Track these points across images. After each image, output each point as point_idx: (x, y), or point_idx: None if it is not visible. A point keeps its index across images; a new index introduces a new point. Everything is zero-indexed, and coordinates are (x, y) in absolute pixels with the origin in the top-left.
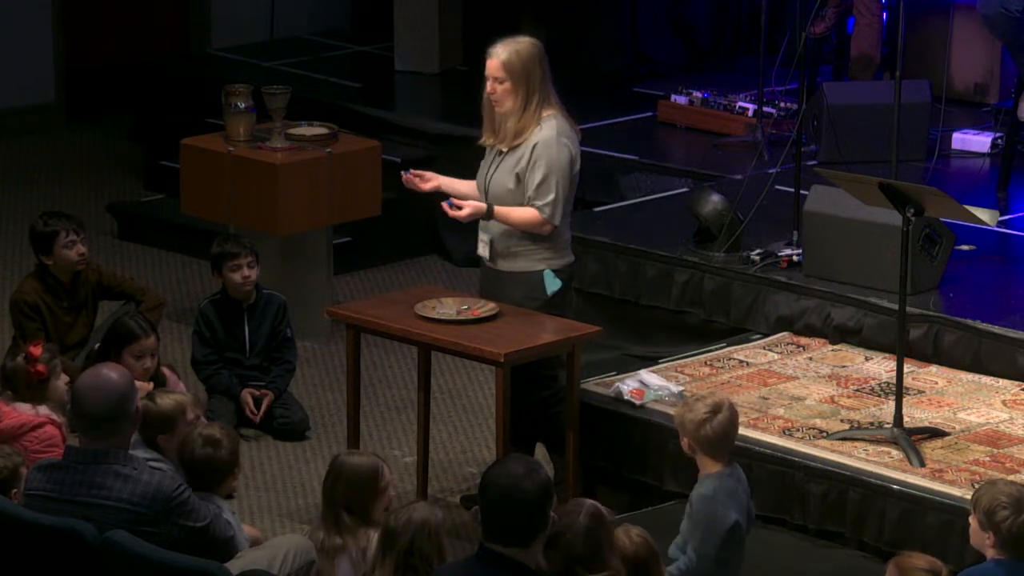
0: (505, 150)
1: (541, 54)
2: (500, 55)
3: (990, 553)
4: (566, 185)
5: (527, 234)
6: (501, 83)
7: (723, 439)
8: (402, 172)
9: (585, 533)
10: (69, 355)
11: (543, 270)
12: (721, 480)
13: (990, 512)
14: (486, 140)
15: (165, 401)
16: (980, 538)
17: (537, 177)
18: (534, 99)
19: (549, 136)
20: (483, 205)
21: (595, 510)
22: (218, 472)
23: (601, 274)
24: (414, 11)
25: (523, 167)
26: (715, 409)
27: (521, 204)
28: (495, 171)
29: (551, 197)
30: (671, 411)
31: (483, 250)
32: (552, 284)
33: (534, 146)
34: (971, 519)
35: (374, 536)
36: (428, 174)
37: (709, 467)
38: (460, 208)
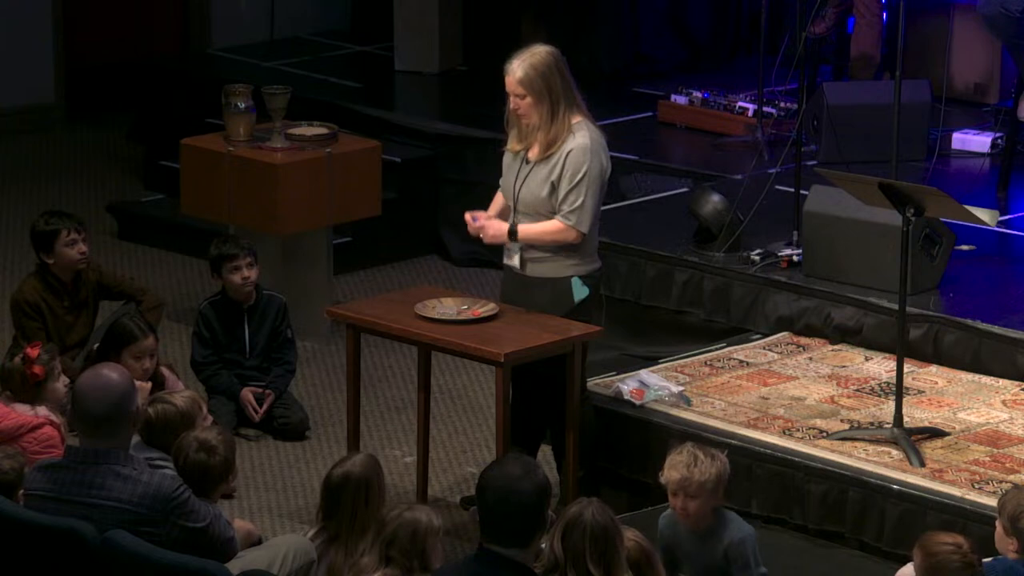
0: (533, 160)
1: (558, 62)
2: (516, 72)
3: (1013, 557)
4: (596, 192)
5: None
6: (523, 98)
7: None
8: (467, 216)
9: (597, 527)
10: (69, 355)
11: (571, 277)
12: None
13: (1014, 518)
14: (512, 147)
15: (178, 400)
16: (1004, 543)
17: (568, 184)
18: (560, 108)
19: (583, 143)
20: (505, 228)
21: (604, 507)
22: (211, 479)
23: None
24: (414, 11)
25: (557, 175)
26: (716, 486)
27: (554, 212)
28: (525, 180)
29: (578, 204)
30: (671, 412)
31: (511, 259)
32: (580, 292)
33: (568, 153)
34: (997, 523)
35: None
36: (482, 222)
37: None
38: (481, 226)
